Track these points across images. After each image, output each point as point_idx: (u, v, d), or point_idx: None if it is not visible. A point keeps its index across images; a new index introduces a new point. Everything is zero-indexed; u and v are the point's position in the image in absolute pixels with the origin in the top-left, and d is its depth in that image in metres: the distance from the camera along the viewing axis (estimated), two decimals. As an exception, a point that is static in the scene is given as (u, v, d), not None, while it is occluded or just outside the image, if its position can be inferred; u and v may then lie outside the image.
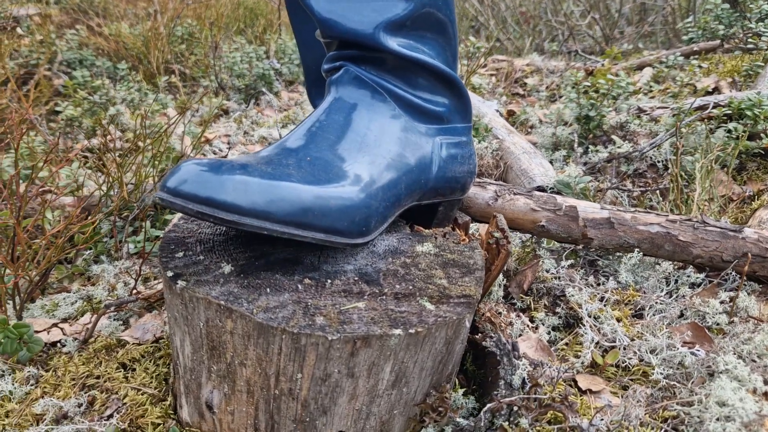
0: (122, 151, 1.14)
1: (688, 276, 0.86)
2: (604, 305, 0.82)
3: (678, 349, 0.72)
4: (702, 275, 0.86)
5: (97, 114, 2.02)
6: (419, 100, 0.76)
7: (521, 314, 0.84)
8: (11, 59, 2.01)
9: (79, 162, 1.75)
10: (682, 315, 0.82)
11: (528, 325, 0.81)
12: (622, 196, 1.24)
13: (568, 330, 0.85)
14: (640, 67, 2.24)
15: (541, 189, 1.28)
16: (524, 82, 2.52)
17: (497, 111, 1.82)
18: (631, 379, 0.73)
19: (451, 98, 0.79)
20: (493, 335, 0.75)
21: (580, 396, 0.71)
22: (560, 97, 2.22)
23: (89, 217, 1.17)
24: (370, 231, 0.65)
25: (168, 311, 0.67)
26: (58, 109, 1.94)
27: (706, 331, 0.76)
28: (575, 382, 0.73)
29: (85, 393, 0.72)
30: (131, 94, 2.12)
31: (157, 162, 1.20)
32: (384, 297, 0.63)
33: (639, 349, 0.74)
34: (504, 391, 0.66)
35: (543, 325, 0.83)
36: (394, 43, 0.71)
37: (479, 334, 0.80)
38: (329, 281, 0.65)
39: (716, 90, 1.90)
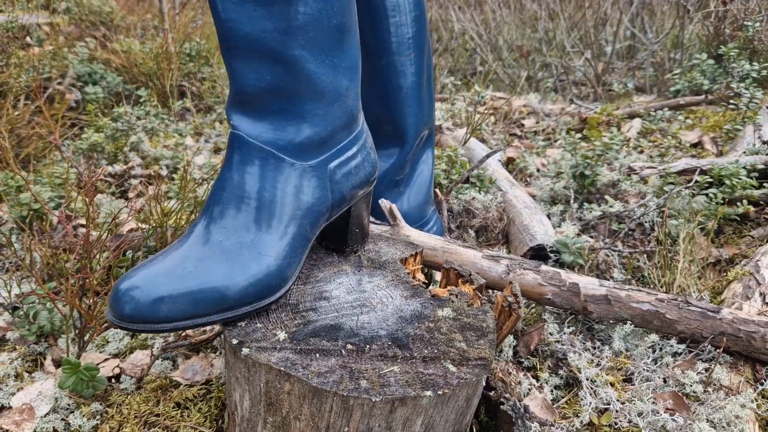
0: (161, 195, 1.25)
1: (671, 346, 0.99)
2: (600, 370, 0.94)
3: (661, 414, 0.84)
4: (683, 346, 0.99)
5: (118, 140, 2.12)
6: (304, 138, 0.78)
7: (528, 374, 0.97)
8: (23, 71, 2.10)
9: (107, 193, 1.86)
10: (665, 381, 0.94)
11: (534, 385, 0.93)
12: (613, 256, 1.37)
13: (568, 389, 0.98)
14: (631, 116, 2.39)
15: (541, 247, 1.40)
16: (521, 123, 2.66)
17: (499, 161, 1.95)
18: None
19: (335, 116, 0.81)
20: (508, 397, 0.87)
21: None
22: (556, 141, 2.35)
23: (126, 254, 1.28)
24: (289, 280, 0.79)
25: (229, 371, 0.78)
26: (83, 136, 2.03)
27: (685, 399, 0.89)
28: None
29: (148, 430, 0.83)
30: (150, 122, 2.22)
31: (189, 205, 1.31)
32: (414, 360, 0.75)
33: (629, 413, 0.86)
34: None
35: (547, 384, 0.95)
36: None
37: (493, 392, 0.93)
38: (367, 346, 0.76)
39: (699, 144, 2.04)
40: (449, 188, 1.67)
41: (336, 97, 0.78)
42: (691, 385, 0.91)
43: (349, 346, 0.76)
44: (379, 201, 1.18)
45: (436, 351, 0.77)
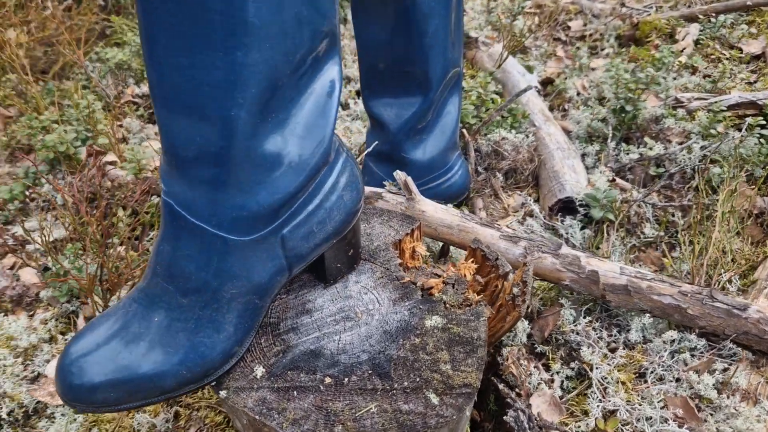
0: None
1: (690, 340, 0.91)
2: (613, 368, 0.88)
3: (669, 424, 0.79)
4: (703, 341, 0.91)
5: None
6: (245, 212, 0.66)
7: (539, 363, 0.92)
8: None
9: (135, 116, 1.83)
10: (678, 381, 0.88)
11: (544, 379, 0.89)
12: (646, 208, 1.27)
13: (580, 380, 0.93)
14: (688, 20, 2.13)
15: (570, 199, 1.30)
16: (567, 25, 2.44)
17: (535, 88, 1.80)
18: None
19: (287, 184, 0.68)
20: (513, 399, 0.83)
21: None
22: (602, 50, 2.15)
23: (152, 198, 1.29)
24: (236, 354, 0.73)
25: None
26: (108, 55, 1.97)
27: (696, 410, 0.82)
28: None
29: (171, 408, 0.85)
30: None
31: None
32: (394, 393, 0.72)
33: (636, 419, 0.82)
34: None
35: (558, 375, 0.91)
36: None
37: (502, 384, 0.89)
38: (346, 378, 0.73)
39: (762, 57, 1.81)
40: (477, 129, 1.56)
41: (288, 163, 0.66)
42: (705, 390, 0.84)
43: (327, 380, 0.73)
44: (394, 173, 1.10)
45: (418, 379, 0.73)
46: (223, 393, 0.73)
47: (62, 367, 0.68)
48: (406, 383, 0.73)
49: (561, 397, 0.89)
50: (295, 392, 0.72)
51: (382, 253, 0.88)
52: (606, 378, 0.88)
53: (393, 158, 1.33)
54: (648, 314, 0.93)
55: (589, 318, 0.96)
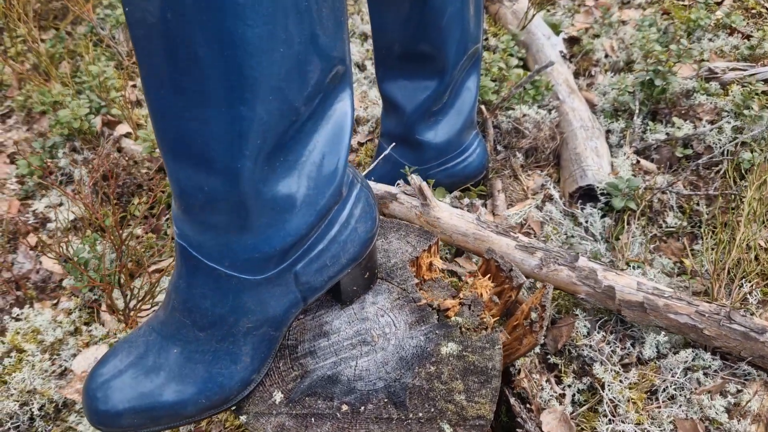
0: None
1: (703, 359, 0.92)
2: (624, 387, 0.90)
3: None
4: (718, 361, 0.92)
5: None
6: (257, 254, 0.66)
7: (551, 376, 0.94)
8: None
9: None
10: (689, 401, 0.89)
11: (555, 393, 0.91)
12: (670, 196, 1.25)
13: (592, 392, 0.95)
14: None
15: (590, 188, 1.28)
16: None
17: (560, 53, 1.73)
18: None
19: (299, 225, 0.68)
20: (525, 419, 0.86)
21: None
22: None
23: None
24: (252, 383, 0.75)
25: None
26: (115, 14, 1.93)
27: (705, 435, 0.84)
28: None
29: None
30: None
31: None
32: (409, 422, 0.74)
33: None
34: None
35: (569, 388, 0.93)
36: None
37: (513, 399, 0.92)
38: (363, 407, 0.75)
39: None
40: (497, 105, 1.52)
41: (300, 205, 0.66)
42: (716, 414, 0.85)
43: (344, 408, 0.75)
44: (409, 177, 1.09)
45: (432, 410, 0.75)
46: (243, 418, 0.76)
47: (88, 392, 0.71)
48: (420, 413, 0.75)
49: (571, 413, 0.91)
50: (312, 419, 0.75)
51: (399, 272, 0.89)
52: (617, 397, 0.89)
53: (408, 141, 1.31)
54: (664, 331, 0.93)
55: (603, 333, 0.97)
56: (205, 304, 0.69)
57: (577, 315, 1.01)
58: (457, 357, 0.80)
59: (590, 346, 0.96)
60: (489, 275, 0.92)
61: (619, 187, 1.25)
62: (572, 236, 1.26)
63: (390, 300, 0.86)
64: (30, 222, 1.40)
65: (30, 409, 1.03)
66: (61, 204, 1.43)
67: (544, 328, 0.85)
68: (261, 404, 0.76)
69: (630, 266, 1.14)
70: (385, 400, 0.76)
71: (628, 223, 1.24)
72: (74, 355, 1.10)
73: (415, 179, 1.06)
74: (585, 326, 0.99)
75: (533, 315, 0.86)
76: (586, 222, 1.27)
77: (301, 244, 0.70)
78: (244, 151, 0.57)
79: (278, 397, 0.77)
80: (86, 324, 1.17)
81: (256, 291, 0.69)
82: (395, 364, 0.79)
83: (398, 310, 0.85)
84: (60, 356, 1.11)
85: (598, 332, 0.98)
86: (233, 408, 0.76)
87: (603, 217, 1.28)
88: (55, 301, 1.23)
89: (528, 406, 0.92)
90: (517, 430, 0.86)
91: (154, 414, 0.70)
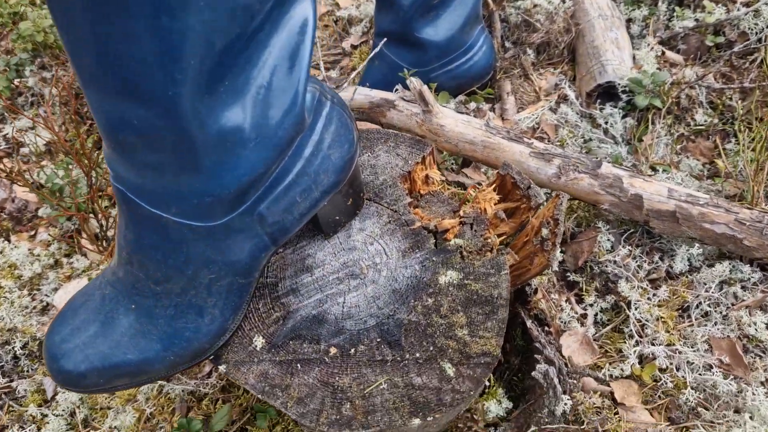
0: None
1: (742, 272, 0.81)
2: (653, 305, 0.80)
3: (713, 373, 0.72)
4: (758, 274, 0.81)
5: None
6: (208, 198, 0.56)
7: (571, 297, 0.85)
8: None
9: None
10: (725, 318, 0.79)
11: (576, 314, 0.82)
12: (699, 92, 1.11)
13: (615, 311, 0.85)
14: None
15: (610, 86, 1.15)
16: None
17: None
18: (664, 393, 0.76)
19: (257, 159, 0.57)
20: (543, 343, 0.77)
21: (615, 409, 0.75)
22: None
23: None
24: (224, 333, 0.67)
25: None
26: None
27: (743, 358, 0.74)
28: (612, 394, 0.76)
29: None
30: None
31: None
32: (406, 364, 0.66)
33: (677, 369, 0.75)
34: (547, 419, 0.72)
35: (591, 308, 0.84)
36: None
37: (530, 321, 0.83)
38: (353, 349, 0.67)
39: None
40: (503, -5, 1.35)
41: (254, 137, 0.55)
42: (756, 332, 0.76)
43: (332, 351, 0.67)
44: (407, 80, 0.96)
45: (431, 348, 0.67)
46: (222, 368, 0.68)
47: (48, 351, 0.66)
48: (418, 353, 0.67)
49: (594, 334, 0.82)
50: (298, 365, 0.67)
51: (389, 191, 0.78)
52: (645, 316, 0.79)
53: (405, 39, 1.19)
54: (697, 243, 0.82)
55: (628, 247, 0.86)
56: (157, 255, 0.60)
57: (599, 228, 0.90)
58: (457, 286, 0.70)
59: (614, 262, 0.86)
60: (498, 196, 0.80)
61: (643, 82, 1.11)
62: (590, 140, 1.14)
63: (380, 224, 0.75)
64: (2, 147, 1.30)
65: (12, 348, 1.00)
66: (33, 127, 1.32)
67: (557, 246, 0.75)
68: (241, 351, 0.69)
69: (655, 170, 1.02)
70: (378, 340, 0.67)
71: (653, 123, 1.11)
72: (55, 290, 1.05)
73: (415, 82, 0.93)
74: (608, 240, 0.88)
75: (544, 231, 0.75)
76: (606, 123, 1.15)
77: (260, 183, 0.59)
78: (177, 75, 0.46)
79: (259, 342, 0.68)
80: (67, 256, 1.10)
81: (214, 239, 0.59)
82: (388, 299, 0.70)
83: (389, 236, 0.74)
84: (40, 291, 1.06)
85: (624, 246, 0.86)
86: (211, 358, 0.68)
87: (624, 117, 1.16)
88: (32, 233, 1.15)
89: (546, 328, 0.83)
90: (535, 355, 0.77)
91: (119, 372, 0.64)
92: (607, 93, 1.20)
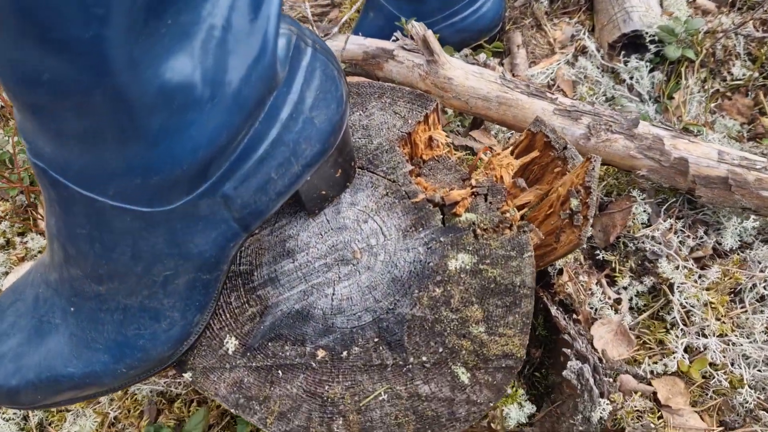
0: None
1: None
2: (700, 288, 0.68)
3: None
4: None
5: None
6: (156, 178, 0.44)
7: (602, 280, 0.73)
8: None
9: None
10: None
11: (608, 299, 0.70)
12: (737, 41, 0.97)
13: (653, 294, 0.73)
14: None
15: (636, 35, 1.01)
16: None
17: None
18: (717, 392, 0.64)
19: (217, 126, 0.44)
20: (573, 335, 0.65)
21: (658, 413, 0.63)
22: None
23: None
24: (187, 338, 0.55)
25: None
26: None
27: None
28: (654, 394, 0.64)
29: None
30: None
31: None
32: (410, 369, 0.54)
33: (731, 363, 0.63)
34: (581, 427, 0.60)
35: (626, 291, 0.72)
36: None
37: (555, 308, 0.71)
38: (345, 351, 0.55)
39: None
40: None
41: (209, 97, 0.42)
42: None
43: (320, 354, 0.55)
44: (409, 27, 0.82)
45: (441, 350, 0.55)
46: (187, 375, 0.57)
47: None
48: (425, 356, 0.55)
49: (630, 323, 0.70)
50: (279, 372, 0.55)
51: (386, 157, 0.65)
52: (691, 301, 0.67)
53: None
54: (752, 215, 0.69)
55: (670, 220, 0.73)
56: (94, 249, 0.48)
57: (634, 197, 0.77)
58: (471, 273, 0.58)
59: (652, 238, 0.73)
60: (519, 161, 0.67)
61: (676, 31, 0.97)
62: (612, 97, 1.01)
63: (375, 198, 0.62)
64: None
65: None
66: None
67: (590, 221, 0.62)
68: (209, 355, 0.57)
69: (688, 131, 0.89)
70: (376, 340, 0.56)
71: (685, 78, 0.97)
72: (6, 273, 0.93)
73: (418, 28, 0.79)
74: (644, 212, 0.75)
75: (574, 202, 0.62)
76: (631, 78, 1.02)
77: (224, 156, 0.46)
78: (96, 8, 0.34)
79: (231, 344, 0.56)
80: (20, 234, 0.97)
81: (167, 227, 0.47)
82: (387, 289, 0.57)
83: (387, 212, 0.61)
84: (-9, 274, 0.93)
85: (664, 219, 0.73)
86: (173, 364, 0.56)
87: (651, 71, 1.02)
88: (-18, 209, 1.03)
89: (574, 316, 0.71)
90: (563, 349, 0.65)
91: (60, 388, 0.53)
92: (632, 44, 1.07)
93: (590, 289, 0.72)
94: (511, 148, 0.72)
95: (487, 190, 0.63)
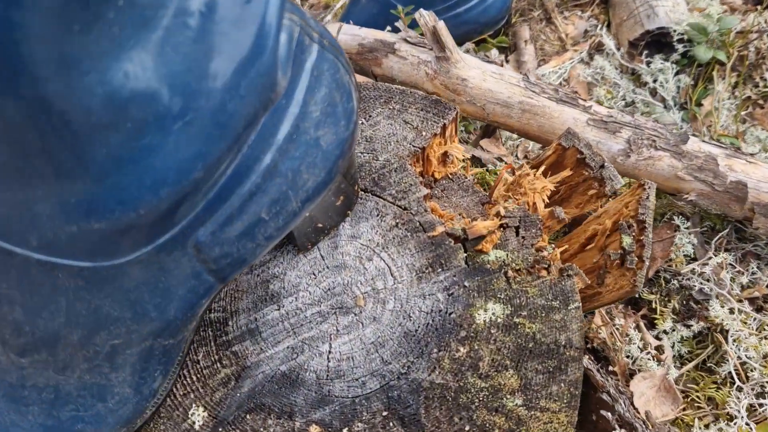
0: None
1: None
2: (758, 335, 0.57)
3: None
4: None
5: None
6: (101, 222, 0.32)
7: (641, 324, 0.62)
8: None
9: None
10: None
11: (648, 345, 0.60)
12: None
13: (698, 341, 0.63)
14: None
15: (663, 32, 0.90)
16: None
17: None
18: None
19: (187, 157, 0.33)
20: (612, 395, 0.54)
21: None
22: None
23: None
24: (156, 402, 0.44)
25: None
26: None
27: None
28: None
29: None
30: None
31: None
32: (428, 456, 0.42)
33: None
34: None
35: (667, 336, 0.61)
36: None
37: (587, 358, 0.59)
38: (345, 428, 0.43)
39: None
40: None
41: (180, 113, 0.30)
42: None
43: (314, 431, 0.42)
44: (416, 15, 0.69)
45: (468, 427, 0.45)
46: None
47: None
48: (447, 437, 0.43)
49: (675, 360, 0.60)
50: (260, 461, 0.43)
51: (394, 177, 0.53)
52: (748, 351, 0.57)
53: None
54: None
55: (723, 254, 0.62)
56: (16, 315, 0.36)
57: (677, 226, 0.66)
58: (504, 327, 0.47)
59: (700, 274, 0.62)
60: (553, 181, 0.55)
61: (707, 29, 0.86)
62: (632, 102, 0.90)
63: (382, 229, 0.50)
64: None
65: None
66: None
67: (646, 263, 0.51)
68: (170, 431, 0.44)
69: (721, 143, 0.79)
70: (385, 414, 0.44)
71: (711, 81, 0.87)
72: None
73: (427, 17, 0.67)
74: (690, 243, 0.65)
75: (626, 240, 0.51)
76: (654, 81, 0.90)
77: (198, 194, 0.35)
78: None
79: (199, 416, 0.45)
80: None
81: (115, 286, 0.35)
82: (398, 347, 0.46)
83: (397, 247, 0.50)
84: None
85: (715, 253, 0.63)
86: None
87: (677, 74, 0.91)
88: None
89: (610, 367, 0.60)
90: (602, 412, 0.54)
91: None
92: (655, 42, 0.96)
93: (627, 334, 0.61)
94: (531, 164, 0.61)
95: (519, 221, 0.52)
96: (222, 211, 0.35)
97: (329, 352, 0.47)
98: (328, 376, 0.46)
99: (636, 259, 0.51)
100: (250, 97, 0.32)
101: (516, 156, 0.91)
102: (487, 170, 0.82)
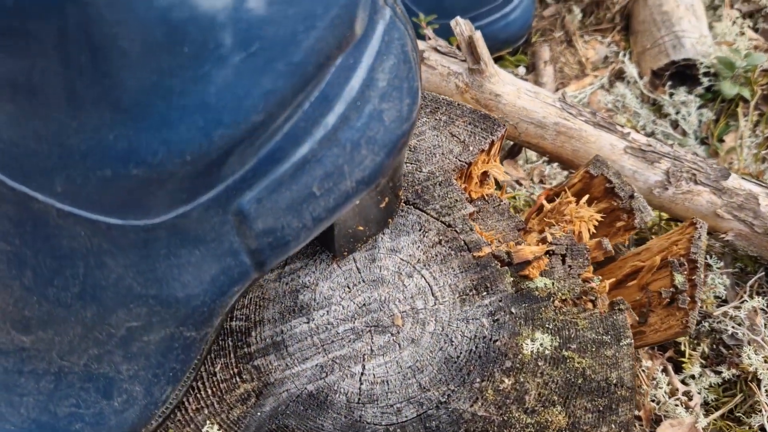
0: None
1: None
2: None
3: None
4: None
5: None
6: (125, 170, 0.29)
7: (668, 368, 0.60)
8: None
9: None
10: None
11: (676, 391, 0.57)
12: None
13: (724, 388, 0.61)
14: None
15: (689, 64, 0.90)
16: None
17: None
18: None
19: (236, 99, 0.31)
20: None
21: None
22: None
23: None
24: (166, 411, 0.40)
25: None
26: None
27: None
28: None
29: None
30: None
31: None
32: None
33: None
34: None
35: (695, 382, 0.60)
36: None
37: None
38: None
39: None
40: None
41: (237, 42, 0.27)
42: None
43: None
44: (452, 22, 0.67)
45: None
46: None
47: None
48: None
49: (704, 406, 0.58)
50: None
51: (439, 190, 0.50)
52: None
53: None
54: None
55: (758, 298, 0.61)
56: (24, 277, 0.32)
57: (710, 266, 0.64)
58: (552, 360, 0.44)
59: (732, 318, 0.60)
60: (596, 214, 0.53)
61: (734, 64, 0.86)
62: (652, 133, 0.90)
63: (424, 245, 0.47)
64: None
65: None
66: None
67: (698, 304, 0.49)
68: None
69: (762, 181, 0.78)
70: (422, 448, 0.40)
71: (733, 117, 0.87)
72: None
73: (463, 26, 0.64)
74: (721, 284, 0.63)
75: (679, 278, 0.49)
76: (677, 113, 0.89)
77: (251, 147, 0.31)
78: None
79: (213, 437, 0.40)
80: None
81: (143, 254, 0.31)
82: (437, 373, 0.43)
83: (440, 266, 0.47)
84: None
85: (751, 297, 0.61)
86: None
87: (699, 107, 0.90)
88: None
89: (636, 413, 0.58)
90: None
91: None
92: (678, 74, 0.95)
93: (654, 377, 0.59)
94: (554, 191, 0.59)
95: (566, 249, 0.49)
96: (272, 175, 0.31)
97: (362, 373, 0.43)
98: (359, 399, 0.42)
99: (688, 299, 0.49)
100: (326, 31, 0.29)
101: (531, 180, 0.89)
102: (514, 195, 0.80)
